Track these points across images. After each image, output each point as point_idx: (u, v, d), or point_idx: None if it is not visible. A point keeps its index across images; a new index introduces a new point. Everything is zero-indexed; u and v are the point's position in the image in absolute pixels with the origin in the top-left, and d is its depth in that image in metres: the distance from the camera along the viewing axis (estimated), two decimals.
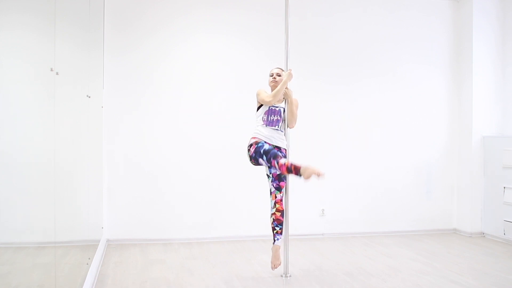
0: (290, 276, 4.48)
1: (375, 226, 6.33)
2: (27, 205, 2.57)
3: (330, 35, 6.23)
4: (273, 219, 4.45)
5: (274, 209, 4.45)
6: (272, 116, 4.42)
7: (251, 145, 4.37)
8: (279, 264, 4.45)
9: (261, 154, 4.26)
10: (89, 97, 4.24)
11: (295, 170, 4.05)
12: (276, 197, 4.44)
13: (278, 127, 4.42)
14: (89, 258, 4.24)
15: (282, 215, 4.43)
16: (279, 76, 4.49)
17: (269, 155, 4.22)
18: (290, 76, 4.40)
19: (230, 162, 5.90)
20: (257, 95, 4.49)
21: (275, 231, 4.45)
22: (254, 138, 4.42)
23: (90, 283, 4.01)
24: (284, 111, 4.47)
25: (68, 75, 3.37)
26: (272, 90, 4.50)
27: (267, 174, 4.53)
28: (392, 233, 6.35)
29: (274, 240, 4.46)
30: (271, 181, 4.46)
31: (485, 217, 6.25)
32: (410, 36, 6.45)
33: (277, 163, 4.15)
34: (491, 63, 6.36)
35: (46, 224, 2.77)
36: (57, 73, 2.81)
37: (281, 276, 4.49)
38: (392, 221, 6.39)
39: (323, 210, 6.18)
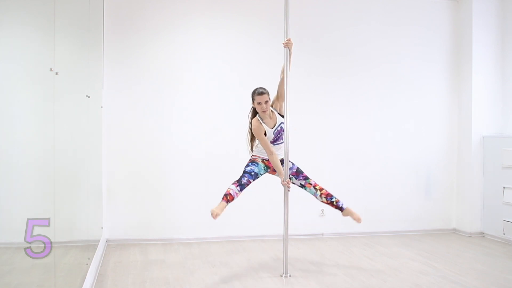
0: (289, 276, 4.48)
1: (375, 226, 6.32)
2: (27, 205, 2.57)
3: (329, 34, 6.22)
4: (325, 196, 4.61)
5: (320, 192, 4.62)
6: (278, 134, 4.72)
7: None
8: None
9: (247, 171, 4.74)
10: (89, 97, 4.23)
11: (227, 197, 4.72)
12: (311, 184, 4.64)
13: (282, 140, 4.67)
14: (89, 258, 4.24)
15: (326, 190, 4.63)
16: (267, 102, 4.59)
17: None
18: (291, 45, 4.57)
19: (230, 162, 5.89)
20: (256, 134, 4.66)
21: (336, 203, 4.63)
22: (254, 157, 4.80)
23: (90, 283, 4.01)
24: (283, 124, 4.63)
25: (68, 75, 3.37)
26: (259, 113, 4.65)
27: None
28: (392, 233, 6.34)
29: (342, 208, 4.65)
30: (296, 179, 4.68)
31: (485, 217, 6.25)
32: (410, 35, 6.44)
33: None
34: (491, 63, 6.36)
35: None
36: (56, 73, 2.81)
37: (281, 276, 4.49)
38: (392, 221, 6.39)
39: (322, 210, 6.17)
